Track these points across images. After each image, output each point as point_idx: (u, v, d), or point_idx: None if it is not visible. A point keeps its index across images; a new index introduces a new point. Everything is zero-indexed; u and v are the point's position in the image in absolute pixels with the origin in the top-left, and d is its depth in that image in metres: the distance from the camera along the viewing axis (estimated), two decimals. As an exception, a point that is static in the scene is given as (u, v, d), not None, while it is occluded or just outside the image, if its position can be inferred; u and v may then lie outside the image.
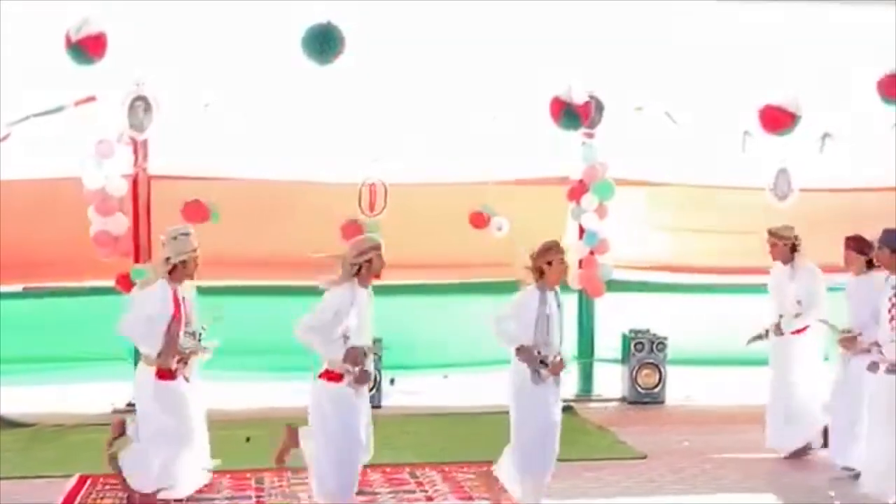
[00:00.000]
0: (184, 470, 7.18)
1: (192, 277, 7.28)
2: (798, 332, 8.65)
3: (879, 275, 7.63)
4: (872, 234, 7.81)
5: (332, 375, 6.77)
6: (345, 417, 6.78)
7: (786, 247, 8.66)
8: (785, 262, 8.69)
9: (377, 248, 6.80)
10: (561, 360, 7.02)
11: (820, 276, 8.62)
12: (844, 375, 8.06)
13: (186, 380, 7.14)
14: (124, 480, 7.15)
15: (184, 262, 7.09)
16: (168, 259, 7.08)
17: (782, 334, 8.68)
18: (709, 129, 10.42)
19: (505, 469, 7.17)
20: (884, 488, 7.19)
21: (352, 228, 9.57)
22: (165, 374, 7.01)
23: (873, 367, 7.33)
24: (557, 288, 7.14)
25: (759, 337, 8.92)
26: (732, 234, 10.87)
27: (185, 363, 7.11)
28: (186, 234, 7.18)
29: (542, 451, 7.03)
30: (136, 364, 7.41)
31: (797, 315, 8.59)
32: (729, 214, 11.00)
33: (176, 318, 7.03)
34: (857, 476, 7.74)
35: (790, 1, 10.31)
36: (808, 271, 8.62)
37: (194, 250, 7.15)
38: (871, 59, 9.90)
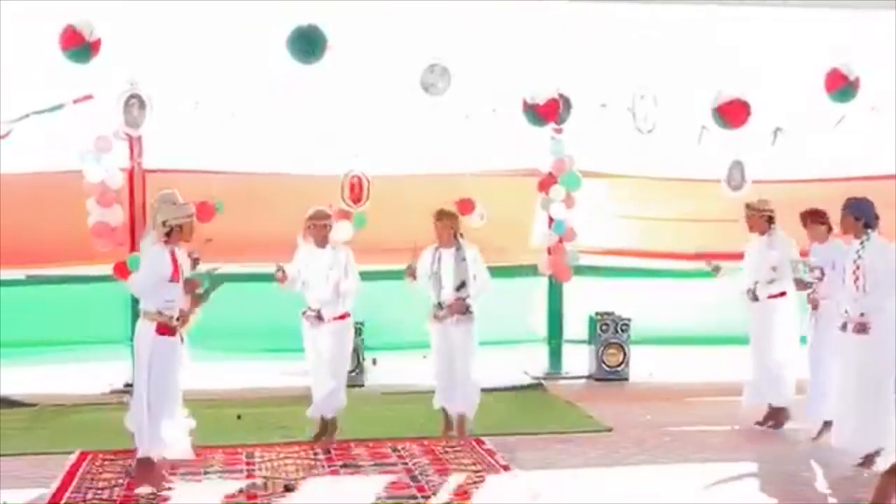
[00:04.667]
0: (170, 430, 7.11)
1: (188, 241, 7.26)
2: (775, 296, 8.68)
3: (836, 240, 7.89)
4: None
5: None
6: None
7: (762, 218, 8.73)
8: (762, 232, 8.75)
9: (312, 217, 8.16)
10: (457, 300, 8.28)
11: (795, 246, 8.67)
12: (816, 337, 8.16)
13: (182, 340, 7.13)
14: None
15: (180, 227, 7.07)
16: (165, 222, 7.05)
17: (757, 300, 8.72)
18: (668, 124, 10.46)
19: None
20: (855, 443, 7.24)
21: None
22: (165, 329, 7.00)
23: (843, 327, 7.40)
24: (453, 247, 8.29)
25: (718, 269, 9.02)
26: (690, 222, 10.94)
27: (185, 322, 7.10)
28: (180, 201, 7.16)
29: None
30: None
31: (771, 281, 8.64)
32: (686, 204, 11.07)
33: (174, 278, 7.01)
34: (827, 424, 7.81)
35: (745, 6, 10.39)
36: (785, 240, 8.69)
37: (191, 216, 7.14)
38: (820, 57, 10.00)
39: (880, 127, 10.49)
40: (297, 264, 8.28)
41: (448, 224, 8.39)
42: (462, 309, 8.34)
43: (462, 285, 8.31)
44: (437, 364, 8.52)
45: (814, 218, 8.24)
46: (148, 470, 7.12)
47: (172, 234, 7.06)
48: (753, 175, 10.49)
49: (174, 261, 7.04)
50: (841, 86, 9.94)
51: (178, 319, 7.07)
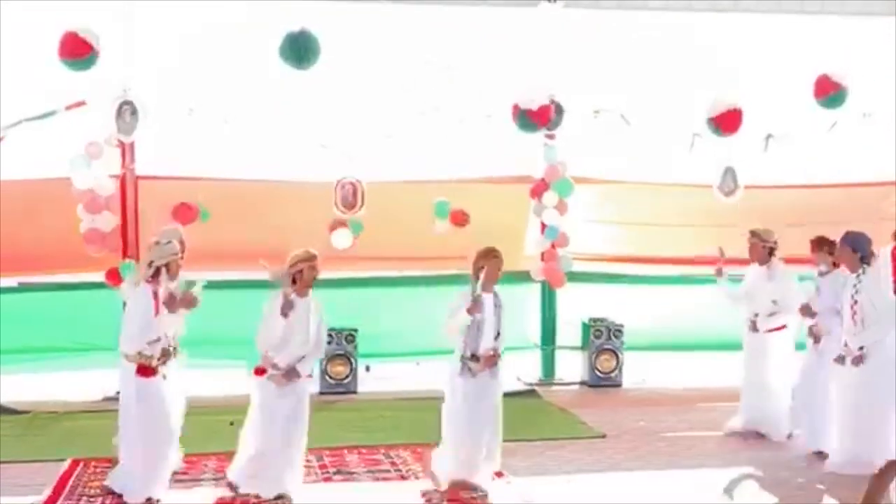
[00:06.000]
0: (163, 471, 7.06)
1: (174, 278, 7.23)
2: (774, 330, 8.67)
3: (840, 274, 7.88)
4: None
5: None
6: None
7: (764, 249, 8.68)
8: (761, 263, 8.71)
9: (310, 259, 7.01)
10: (493, 353, 7.20)
11: (794, 279, 8.66)
12: (815, 366, 8.15)
13: (164, 377, 7.04)
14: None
15: (166, 266, 7.04)
16: (150, 263, 7.04)
17: (757, 331, 8.69)
18: (660, 130, 10.46)
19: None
20: (851, 468, 7.23)
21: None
22: (145, 370, 6.92)
23: (840, 359, 7.44)
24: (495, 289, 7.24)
25: (720, 271, 8.94)
26: (682, 227, 10.92)
27: (165, 361, 7.03)
28: (169, 241, 7.13)
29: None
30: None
31: (772, 314, 8.62)
32: (679, 210, 11.05)
33: (156, 314, 6.94)
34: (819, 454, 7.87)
35: (736, 13, 10.40)
36: (783, 273, 8.66)
37: (175, 254, 7.11)
38: (812, 62, 10.02)
39: (871, 133, 10.50)
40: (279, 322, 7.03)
41: (500, 265, 7.27)
42: (495, 363, 7.38)
43: (497, 336, 7.34)
44: (471, 426, 7.26)
45: (826, 248, 8.18)
46: None
47: (158, 274, 7.02)
48: (745, 181, 10.49)
49: (157, 305, 6.95)
50: (830, 92, 9.94)
51: (159, 359, 6.95)
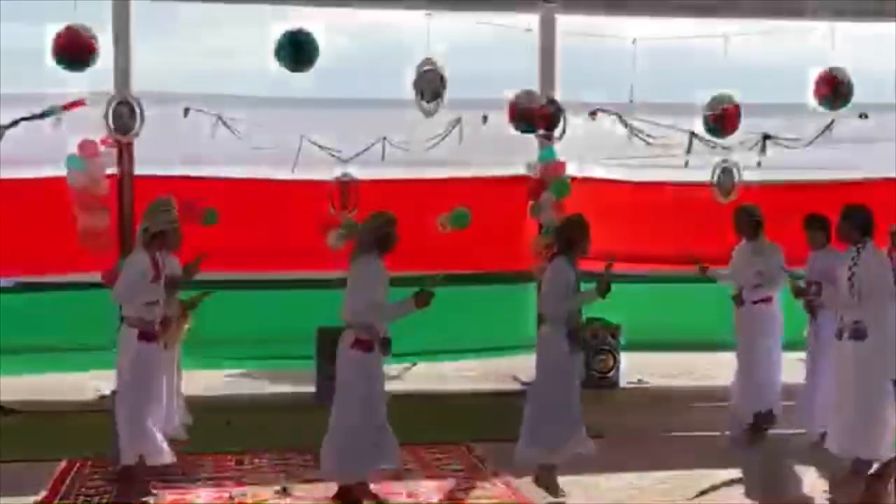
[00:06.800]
0: (153, 432, 6.99)
1: (173, 248, 7.17)
2: (760, 301, 8.63)
3: (834, 249, 7.86)
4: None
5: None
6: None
7: (750, 223, 8.66)
8: (748, 238, 8.71)
9: (395, 222, 6.79)
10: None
11: (781, 253, 8.62)
12: (814, 346, 8.14)
13: (164, 347, 7.04)
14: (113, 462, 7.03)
15: (162, 232, 6.98)
16: (146, 229, 6.98)
17: (743, 304, 8.67)
18: (658, 130, 10.46)
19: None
20: (850, 446, 7.19)
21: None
22: (147, 335, 6.90)
23: (839, 335, 7.37)
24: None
25: (704, 269, 8.93)
26: (680, 227, 10.89)
27: (166, 329, 7.00)
28: (166, 208, 7.06)
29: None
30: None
31: (756, 286, 8.59)
32: (676, 210, 11.03)
33: (155, 278, 6.92)
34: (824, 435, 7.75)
35: (734, 18, 10.41)
36: (771, 247, 8.63)
37: (172, 221, 7.05)
38: (810, 62, 10.03)
39: (868, 132, 10.52)
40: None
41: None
42: None
43: None
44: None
45: (816, 223, 8.20)
46: (130, 478, 7.01)
47: (155, 241, 6.98)
48: (743, 180, 10.49)
49: (155, 264, 6.94)
50: (829, 91, 9.95)
51: (161, 324, 6.97)
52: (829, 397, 7.68)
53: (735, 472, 7.72)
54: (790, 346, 8.80)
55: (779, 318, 8.69)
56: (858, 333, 7.17)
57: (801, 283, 8.10)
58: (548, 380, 7.17)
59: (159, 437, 7.03)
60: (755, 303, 8.64)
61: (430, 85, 9.58)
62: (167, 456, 7.07)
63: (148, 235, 6.96)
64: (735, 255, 8.86)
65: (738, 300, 8.71)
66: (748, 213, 8.74)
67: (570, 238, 7.25)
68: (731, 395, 8.86)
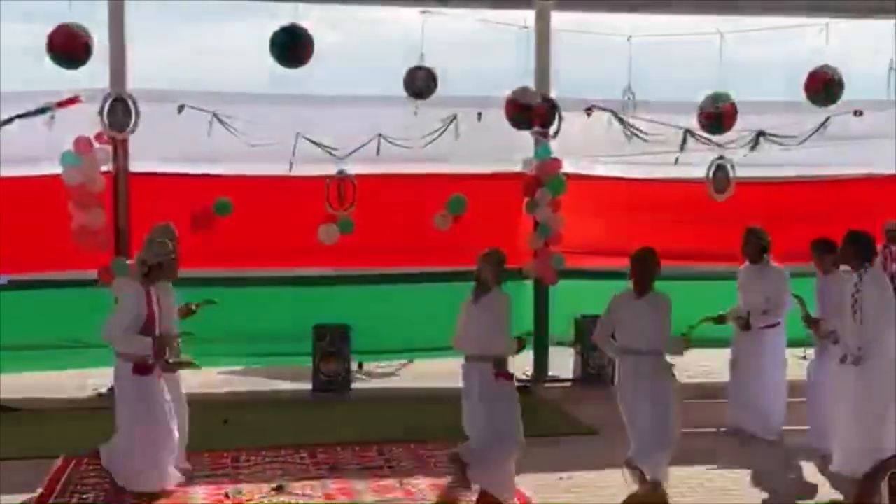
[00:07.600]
0: (162, 465, 7.02)
1: (170, 278, 7.18)
2: (767, 327, 8.61)
3: (843, 273, 7.77)
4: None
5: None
6: None
7: (757, 246, 8.63)
8: (754, 261, 8.67)
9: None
10: None
11: (787, 277, 8.60)
12: (820, 367, 8.11)
13: (164, 369, 7.02)
14: (113, 480, 7.02)
15: (160, 264, 6.98)
16: (144, 262, 6.98)
17: (749, 329, 8.64)
18: (653, 128, 10.46)
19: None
20: (853, 466, 7.21)
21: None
22: (142, 368, 6.88)
23: (843, 359, 7.41)
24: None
25: (719, 319, 8.78)
26: (675, 224, 10.90)
27: (163, 358, 6.98)
28: (163, 240, 7.07)
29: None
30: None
31: (765, 312, 8.56)
32: (671, 206, 11.03)
33: (150, 322, 6.90)
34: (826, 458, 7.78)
35: (728, 15, 10.42)
36: (776, 271, 8.61)
37: (169, 253, 7.04)
38: (803, 59, 10.04)
39: (862, 129, 10.53)
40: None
41: None
42: None
43: None
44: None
45: (824, 247, 8.09)
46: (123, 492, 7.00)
47: (152, 273, 6.97)
48: (737, 177, 10.50)
49: (149, 303, 6.91)
50: (821, 88, 9.96)
51: (155, 356, 6.91)
52: (830, 422, 7.70)
53: (732, 471, 7.72)
54: (791, 344, 8.81)
55: (783, 343, 8.70)
56: (861, 357, 7.22)
57: (811, 313, 8.05)
58: None
59: (168, 462, 7.04)
60: (762, 328, 8.60)
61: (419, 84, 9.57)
62: (174, 479, 7.10)
63: (145, 268, 6.95)
64: (740, 278, 8.83)
65: (745, 324, 8.63)
66: (757, 236, 8.67)
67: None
68: (728, 417, 8.82)
